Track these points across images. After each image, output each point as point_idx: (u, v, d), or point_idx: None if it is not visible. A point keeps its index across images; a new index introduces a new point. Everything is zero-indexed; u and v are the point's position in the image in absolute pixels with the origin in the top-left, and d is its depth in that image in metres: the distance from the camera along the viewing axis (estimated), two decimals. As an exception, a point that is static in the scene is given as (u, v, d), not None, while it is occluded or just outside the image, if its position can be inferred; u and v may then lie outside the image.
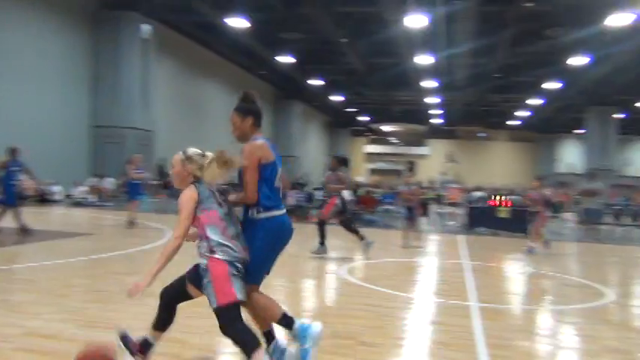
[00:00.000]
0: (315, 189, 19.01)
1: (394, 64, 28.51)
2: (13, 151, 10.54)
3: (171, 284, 3.65)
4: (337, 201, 9.59)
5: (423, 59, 25.02)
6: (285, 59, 28.06)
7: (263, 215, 3.55)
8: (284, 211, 3.66)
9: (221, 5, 21.24)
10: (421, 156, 57.09)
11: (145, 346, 3.60)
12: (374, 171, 56.41)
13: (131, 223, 12.53)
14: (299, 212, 16.93)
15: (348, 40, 24.80)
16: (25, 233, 10.18)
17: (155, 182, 21.18)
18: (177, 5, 22.62)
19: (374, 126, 56.39)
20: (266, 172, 3.57)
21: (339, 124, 54.41)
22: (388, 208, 17.62)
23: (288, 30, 24.85)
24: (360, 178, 40.78)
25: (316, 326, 3.58)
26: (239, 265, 3.40)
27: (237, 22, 22.00)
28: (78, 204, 18.72)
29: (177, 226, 3.39)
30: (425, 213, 17.41)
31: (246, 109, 3.70)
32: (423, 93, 35.21)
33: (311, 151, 48.34)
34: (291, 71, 31.95)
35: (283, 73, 33.43)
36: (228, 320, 3.31)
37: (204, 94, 31.40)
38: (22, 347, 4.02)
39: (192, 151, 3.61)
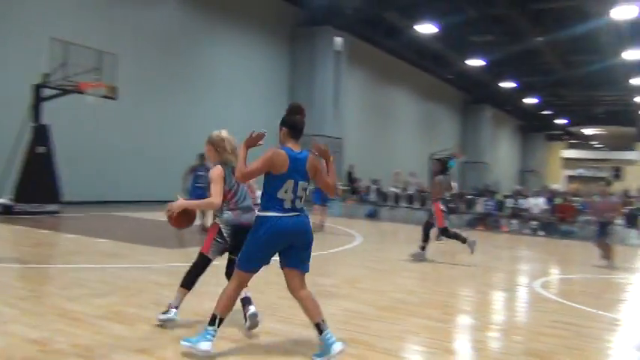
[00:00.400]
0: (506, 196, 18.12)
1: (597, 61, 26.11)
2: (201, 157, 11.64)
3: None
4: (442, 206, 9.19)
5: (633, 54, 22.54)
6: (475, 62, 27.32)
7: (260, 213, 3.95)
8: (287, 214, 3.89)
9: (410, 13, 21.41)
10: (629, 161, 51.23)
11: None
12: (572, 178, 52.13)
13: (319, 228, 12.61)
14: (488, 220, 16.30)
15: (544, 39, 23.34)
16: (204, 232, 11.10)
17: (344, 187, 21.96)
18: (369, 17, 23.31)
19: (573, 129, 52.11)
20: (272, 180, 3.90)
21: (532, 128, 51.24)
22: (589, 218, 16.12)
23: (479, 32, 24.16)
24: (556, 186, 37.95)
25: (205, 345, 3.86)
26: (227, 231, 4.42)
27: (426, 29, 21.98)
28: (275, 207, 20.23)
29: (214, 195, 4.35)
30: (635, 225, 15.62)
31: (282, 120, 4.11)
32: (633, 91, 31.77)
33: (502, 157, 46.26)
34: (481, 74, 30.99)
35: (473, 77, 32.57)
36: (197, 262, 4.52)
37: (392, 100, 31.83)
38: (223, 337, 4.44)
39: (215, 133, 4.58)
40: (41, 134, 13.27)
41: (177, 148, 18.37)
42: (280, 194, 3.87)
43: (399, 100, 32.54)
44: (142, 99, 17.93)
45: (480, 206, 16.79)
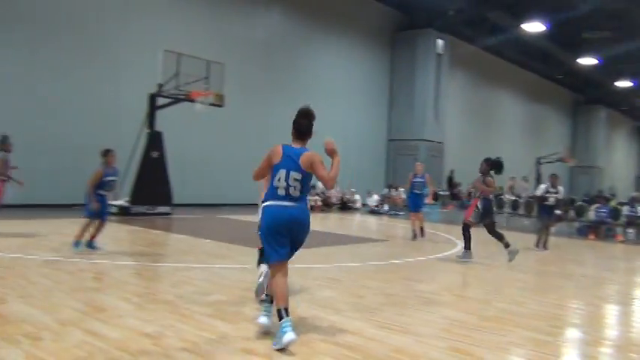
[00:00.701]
0: (622, 203, 16.88)
1: None
2: None
3: None
4: (479, 204, 9.19)
5: None
6: (588, 61, 25.83)
7: (263, 204, 4.45)
8: (281, 203, 4.33)
9: (517, 12, 20.66)
10: None
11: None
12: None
13: (415, 235, 12.05)
14: (601, 229, 15.28)
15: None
16: None
17: (444, 193, 21.52)
18: (472, 17, 22.74)
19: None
20: (271, 171, 4.45)
21: (653, 129, 47.57)
22: None
23: (592, 28, 22.82)
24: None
25: (288, 336, 3.99)
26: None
27: (534, 27, 21.13)
28: (373, 212, 20.16)
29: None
30: None
31: (293, 121, 4.54)
32: None
33: (617, 161, 43.26)
34: (594, 73, 29.25)
35: (585, 76, 30.83)
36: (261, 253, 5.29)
37: (495, 102, 30.80)
38: (328, 340, 4.49)
39: None
40: (155, 140, 14.17)
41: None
42: (275, 182, 4.39)
43: (503, 101, 31.43)
44: (246, 105, 18.62)
45: (592, 214, 15.78)
